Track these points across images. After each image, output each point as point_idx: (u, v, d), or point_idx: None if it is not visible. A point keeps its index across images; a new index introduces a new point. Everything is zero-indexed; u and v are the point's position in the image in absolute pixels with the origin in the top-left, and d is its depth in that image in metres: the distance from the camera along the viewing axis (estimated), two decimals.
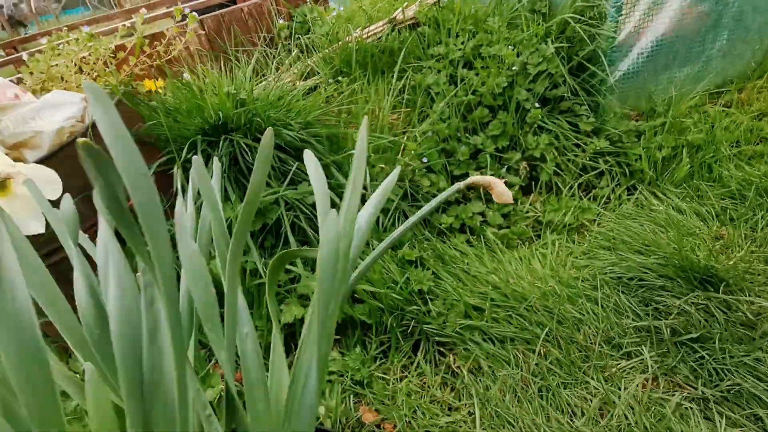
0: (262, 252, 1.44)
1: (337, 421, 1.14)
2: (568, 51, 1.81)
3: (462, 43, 2.00)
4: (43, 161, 1.01)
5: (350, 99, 1.80)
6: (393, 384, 1.25)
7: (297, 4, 2.34)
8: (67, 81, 1.47)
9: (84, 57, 1.56)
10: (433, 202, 0.76)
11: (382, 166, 1.58)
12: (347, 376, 1.25)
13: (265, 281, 0.69)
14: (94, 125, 1.10)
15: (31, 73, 1.35)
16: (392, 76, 1.92)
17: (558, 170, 1.77)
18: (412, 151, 1.55)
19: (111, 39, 1.53)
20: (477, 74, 1.88)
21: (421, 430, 1.12)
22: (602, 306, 1.25)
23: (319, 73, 1.96)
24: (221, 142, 1.39)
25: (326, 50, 2.04)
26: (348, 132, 1.58)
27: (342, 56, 1.98)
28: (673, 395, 1.01)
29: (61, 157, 1.04)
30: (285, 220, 1.39)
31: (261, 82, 1.82)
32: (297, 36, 2.13)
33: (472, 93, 1.84)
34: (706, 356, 1.08)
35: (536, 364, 1.17)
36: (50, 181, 0.73)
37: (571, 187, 1.74)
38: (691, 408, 0.98)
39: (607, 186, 1.78)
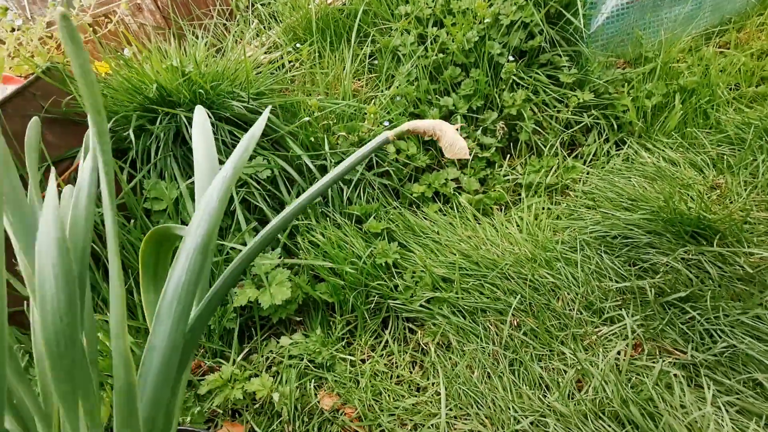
0: (219, 234, 1.34)
1: (292, 407, 1.05)
2: None
3: (432, 0, 1.85)
4: None
5: (310, 67, 1.68)
6: (358, 366, 1.15)
7: None
8: None
9: (22, 42, 1.46)
10: (350, 159, 0.64)
11: (344, 134, 1.46)
12: (306, 359, 1.16)
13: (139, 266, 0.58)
14: (3, 103, 1.00)
15: None
16: (356, 41, 1.78)
17: (538, 128, 1.63)
18: (372, 115, 1.43)
19: (43, 19, 1.42)
20: (448, 33, 1.74)
21: (384, 413, 1.02)
22: (582, 269, 1.12)
23: (280, 43, 1.84)
24: (160, 117, 1.29)
25: (288, 20, 1.91)
26: (302, 100, 1.46)
27: (303, 24, 1.85)
28: (658, 362, 0.89)
29: None
30: (235, 197, 1.29)
31: (220, 56, 1.70)
32: (256, 5, 2.00)
33: (441, 52, 1.70)
34: (696, 317, 0.95)
35: (510, 336, 1.06)
36: None
37: (553, 146, 1.60)
38: (679, 375, 0.86)
39: (594, 142, 1.63)
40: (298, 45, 1.74)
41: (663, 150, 1.49)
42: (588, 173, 1.51)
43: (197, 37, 1.75)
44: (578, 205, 1.37)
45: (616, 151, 1.60)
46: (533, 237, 1.26)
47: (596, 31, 1.69)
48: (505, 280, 1.14)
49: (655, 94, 1.58)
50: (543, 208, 1.40)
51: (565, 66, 1.66)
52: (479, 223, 1.39)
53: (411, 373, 1.12)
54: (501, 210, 1.47)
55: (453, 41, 1.67)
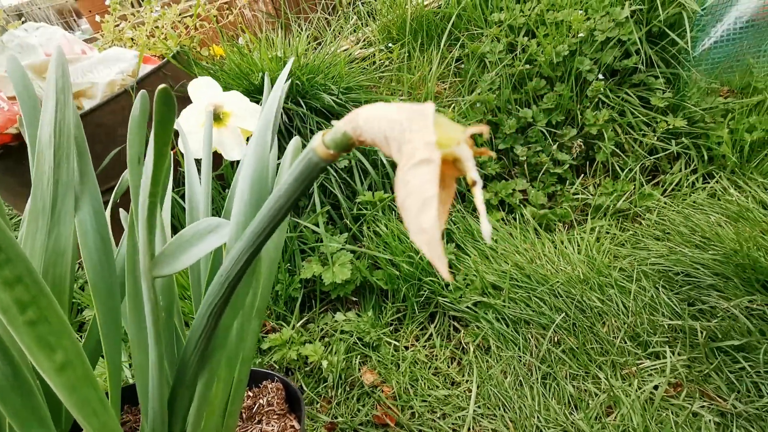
0: (295, 212, 1.51)
1: (337, 376, 1.18)
2: (647, 15, 1.59)
3: (529, 9, 1.86)
4: (96, 109, 1.15)
5: (398, 66, 1.77)
6: (401, 351, 1.25)
7: None
8: (137, 43, 1.63)
9: (159, 25, 1.71)
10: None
11: None
12: (356, 337, 1.28)
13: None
14: (142, 79, 1.21)
15: (103, 35, 1.52)
16: (446, 44, 1.85)
17: (619, 151, 1.59)
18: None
19: (176, 6, 1.66)
20: (539, 44, 1.74)
21: (417, 398, 1.12)
22: (635, 299, 1.12)
23: (374, 41, 1.95)
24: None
25: (384, 18, 2.02)
26: (387, 99, 1.56)
27: (398, 24, 1.95)
28: (694, 404, 0.88)
29: (112, 106, 1.17)
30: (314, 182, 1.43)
31: (319, 49, 1.86)
32: (357, 2, 2.13)
33: (529, 63, 1.71)
34: (747, 368, 0.92)
35: (548, 351, 1.09)
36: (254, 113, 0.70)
37: (632, 170, 1.56)
38: (712, 420, 0.85)
39: (679, 171, 1.56)
40: (390, 44, 1.84)
41: (755, 190, 1.39)
42: (665, 204, 1.46)
43: (301, 28, 1.92)
44: (646, 234, 1.34)
45: (703, 184, 1.52)
46: (591, 259, 1.26)
47: (701, 54, 1.60)
48: (553, 297, 1.17)
49: (757, 128, 1.48)
50: (607, 232, 1.39)
51: (659, 89, 1.60)
52: (539, 238, 1.42)
53: (448, 367, 1.20)
54: (565, 228, 1.48)
55: (542, 53, 1.67)
